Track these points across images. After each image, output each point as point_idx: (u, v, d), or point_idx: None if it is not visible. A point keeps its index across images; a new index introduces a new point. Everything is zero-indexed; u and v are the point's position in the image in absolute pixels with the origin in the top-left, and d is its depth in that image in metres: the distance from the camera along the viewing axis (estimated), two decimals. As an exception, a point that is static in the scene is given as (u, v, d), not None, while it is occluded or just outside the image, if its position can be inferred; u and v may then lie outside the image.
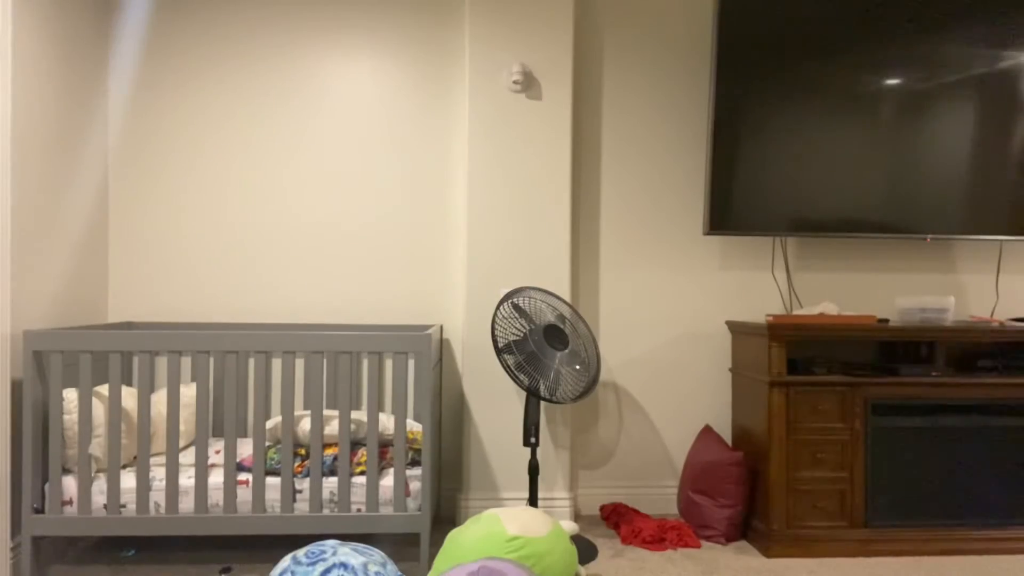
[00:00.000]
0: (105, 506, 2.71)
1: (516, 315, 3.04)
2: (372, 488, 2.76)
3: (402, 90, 3.59)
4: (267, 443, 2.88)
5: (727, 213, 3.43)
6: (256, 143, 3.53)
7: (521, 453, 3.40)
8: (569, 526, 2.66)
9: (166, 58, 3.50)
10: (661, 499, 3.65)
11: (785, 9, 3.38)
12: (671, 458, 3.68)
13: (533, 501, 3.08)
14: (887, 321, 3.34)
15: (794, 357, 3.27)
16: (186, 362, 3.48)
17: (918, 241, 3.72)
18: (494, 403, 3.39)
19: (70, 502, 2.71)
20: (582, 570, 2.72)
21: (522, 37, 3.41)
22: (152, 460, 2.84)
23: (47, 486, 2.70)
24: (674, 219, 3.68)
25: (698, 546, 3.17)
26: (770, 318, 3.17)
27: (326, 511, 2.78)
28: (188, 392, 3.20)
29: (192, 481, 2.76)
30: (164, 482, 2.74)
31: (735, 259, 3.70)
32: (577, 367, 3.04)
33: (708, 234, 3.43)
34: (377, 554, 2.21)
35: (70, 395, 2.74)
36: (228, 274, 3.52)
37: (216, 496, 2.77)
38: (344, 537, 3.21)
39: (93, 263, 3.34)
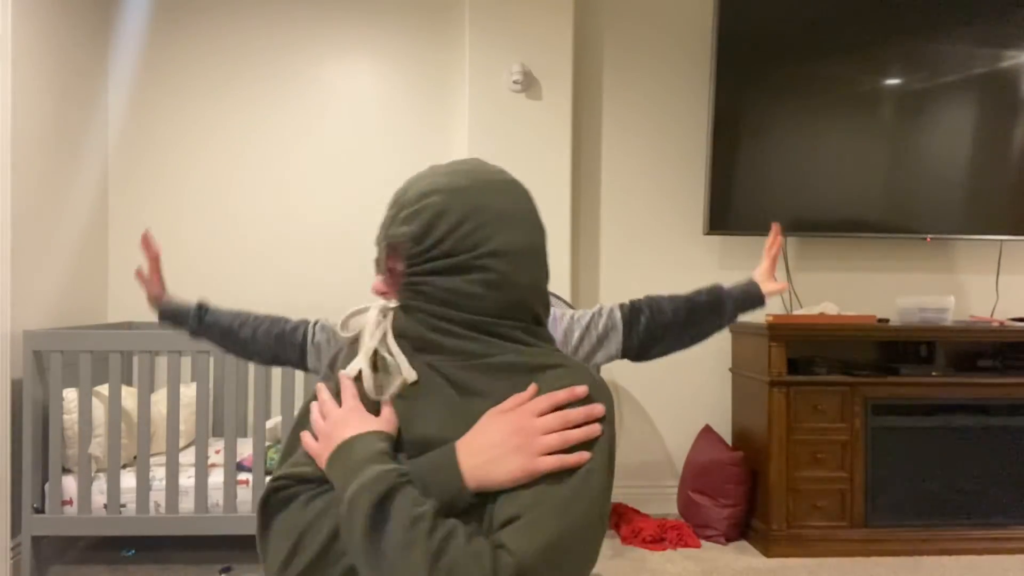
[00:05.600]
0: (105, 506, 2.71)
1: (516, 315, 3.04)
2: (372, 488, 2.76)
3: (402, 90, 3.59)
4: (267, 443, 2.88)
5: (727, 213, 3.43)
6: (256, 143, 3.53)
7: (521, 453, 3.39)
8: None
9: (166, 58, 3.49)
10: (661, 499, 3.64)
11: (785, 9, 3.38)
12: (671, 458, 3.68)
13: (533, 501, 3.08)
14: (887, 321, 3.34)
15: (794, 357, 3.26)
16: (186, 362, 3.48)
17: (918, 241, 3.72)
18: (494, 403, 3.38)
19: (70, 502, 2.71)
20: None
21: (522, 37, 3.41)
22: (152, 460, 2.84)
23: (47, 486, 2.70)
24: (674, 218, 3.68)
25: (698, 546, 3.17)
26: (770, 318, 3.17)
27: (326, 511, 2.78)
28: (188, 392, 3.20)
29: (192, 481, 2.76)
30: (164, 482, 2.74)
31: (735, 259, 3.70)
32: (577, 367, 3.03)
33: (708, 234, 3.43)
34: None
35: (70, 395, 2.73)
36: (228, 274, 3.52)
37: (216, 496, 2.77)
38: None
39: (93, 263, 3.34)
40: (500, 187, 0.91)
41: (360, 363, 0.88)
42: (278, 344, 1.56)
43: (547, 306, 0.94)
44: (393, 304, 0.92)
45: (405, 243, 0.89)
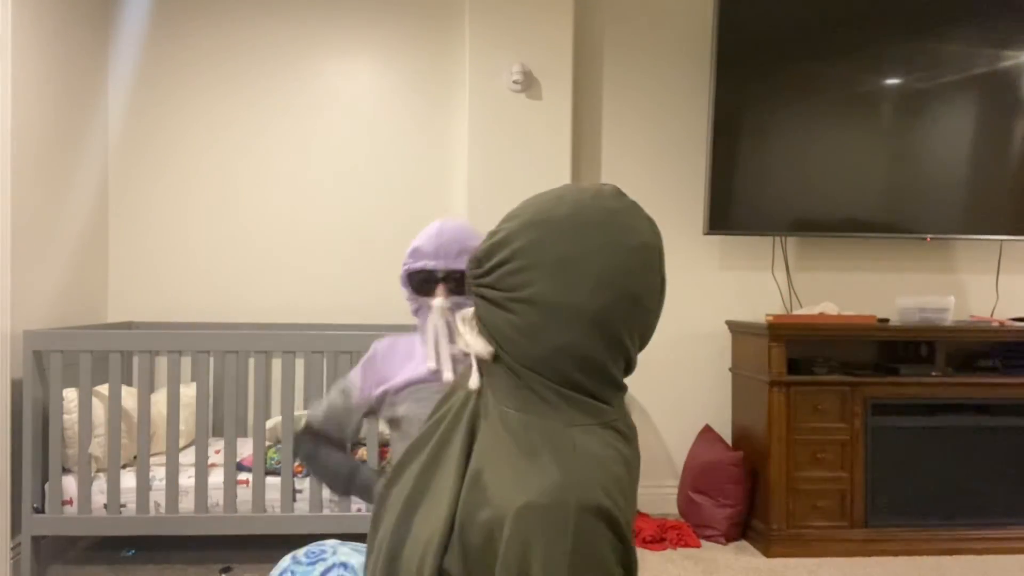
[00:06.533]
0: (105, 506, 2.71)
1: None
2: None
3: (402, 90, 3.59)
4: (267, 443, 2.88)
5: (727, 213, 3.43)
6: (256, 142, 3.53)
7: (521, 453, 3.39)
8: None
9: (166, 58, 3.49)
10: (661, 499, 3.65)
11: (785, 9, 3.38)
12: (671, 458, 3.68)
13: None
14: (887, 321, 3.34)
15: (794, 357, 3.26)
16: (186, 362, 3.48)
17: (918, 241, 3.72)
18: (494, 403, 3.38)
19: (70, 502, 2.71)
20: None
21: (522, 37, 3.41)
22: (152, 460, 2.84)
23: (47, 486, 2.70)
24: (674, 219, 3.68)
25: (698, 546, 3.17)
26: (770, 318, 3.17)
27: (326, 511, 2.78)
28: (188, 392, 3.20)
29: (192, 481, 2.76)
30: (164, 482, 2.74)
31: (735, 259, 3.70)
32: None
33: (708, 234, 3.43)
34: (377, 554, 2.20)
35: (70, 395, 2.73)
36: (228, 274, 3.52)
37: (216, 496, 2.77)
38: (344, 537, 3.20)
39: (93, 263, 3.34)
40: (586, 231, 0.79)
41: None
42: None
43: (604, 380, 0.81)
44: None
45: (470, 260, 0.86)
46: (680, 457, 3.68)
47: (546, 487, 0.74)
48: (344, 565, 2.08)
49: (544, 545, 0.71)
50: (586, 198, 0.81)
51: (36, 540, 2.72)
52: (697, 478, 3.34)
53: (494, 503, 0.76)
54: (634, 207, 0.82)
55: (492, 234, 0.84)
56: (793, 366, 3.23)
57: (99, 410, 2.77)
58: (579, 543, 0.72)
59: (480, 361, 0.86)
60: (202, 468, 2.72)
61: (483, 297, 0.84)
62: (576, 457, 0.76)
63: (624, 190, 3.66)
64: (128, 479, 2.75)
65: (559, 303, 0.78)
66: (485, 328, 0.84)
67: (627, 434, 0.83)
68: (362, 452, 2.86)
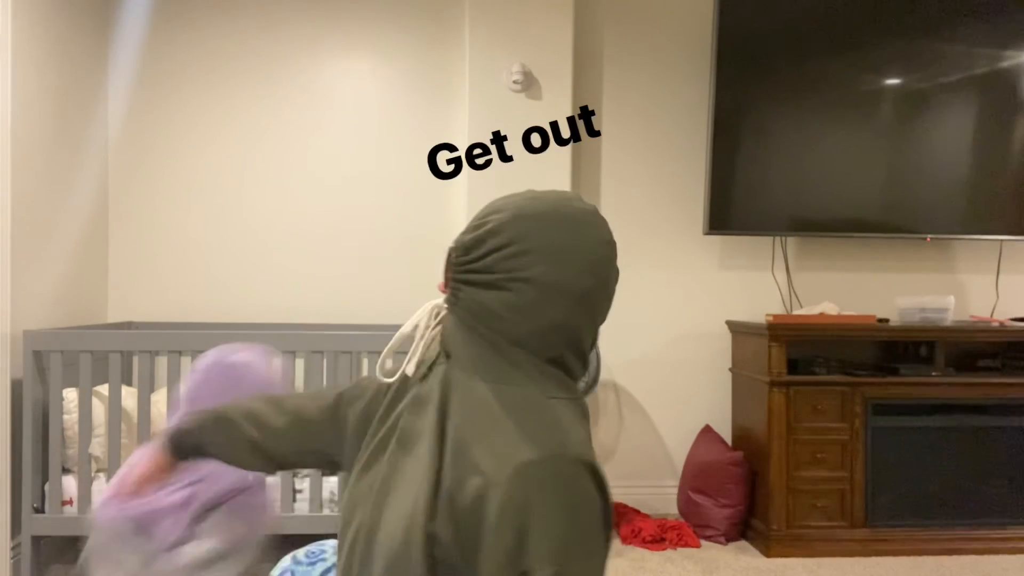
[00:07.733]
0: (105, 506, 2.71)
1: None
2: (372, 488, 2.76)
3: (402, 90, 3.58)
4: (267, 443, 2.88)
5: (727, 213, 3.43)
6: (256, 143, 3.53)
7: (521, 453, 3.38)
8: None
9: (166, 58, 3.49)
10: (661, 499, 3.64)
11: (785, 9, 3.38)
12: (671, 458, 3.68)
13: (533, 501, 3.08)
14: (887, 321, 3.34)
15: (794, 357, 3.26)
16: (186, 362, 3.47)
17: (918, 241, 3.72)
18: (494, 403, 3.37)
19: (70, 502, 2.71)
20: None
21: (522, 37, 3.41)
22: (152, 460, 2.84)
23: (47, 486, 2.70)
24: (674, 219, 3.68)
25: (698, 546, 3.17)
26: (770, 318, 3.17)
27: (326, 511, 2.78)
28: (188, 392, 3.19)
29: (192, 481, 2.75)
30: (164, 482, 2.73)
31: (735, 259, 3.70)
32: (577, 367, 3.04)
33: (708, 234, 3.43)
34: (377, 554, 2.20)
35: (70, 395, 2.73)
36: (228, 274, 3.52)
37: (216, 496, 2.76)
38: (344, 537, 3.20)
39: (93, 263, 3.34)
40: (570, 224, 0.90)
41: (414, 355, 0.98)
42: None
43: (580, 357, 0.93)
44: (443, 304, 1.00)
45: (456, 249, 0.94)
46: (680, 457, 3.68)
47: (544, 444, 0.82)
48: (344, 565, 2.08)
49: (543, 494, 0.79)
50: (559, 199, 0.93)
51: (36, 540, 2.72)
52: (697, 478, 3.34)
53: (485, 470, 0.82)
54: (596, 209, 0.96)
55: (478, 225, 0.93)
56: (793, 366, 3.23)
57: (99, 410, 2.77)
58: (574, 493, 0.80)
59: (447, 341, 0.96)
60: (202, 468, 2.72)
61: (469, 281, 0.92)
62: (562, 422, 0.86)
63: (624, 190, 3.67)
64: (128, 479, 2.75)
65: (554, 283, 0.88)
66: (463, 310, 0.93)
67: (587, 413, 0.93)
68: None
